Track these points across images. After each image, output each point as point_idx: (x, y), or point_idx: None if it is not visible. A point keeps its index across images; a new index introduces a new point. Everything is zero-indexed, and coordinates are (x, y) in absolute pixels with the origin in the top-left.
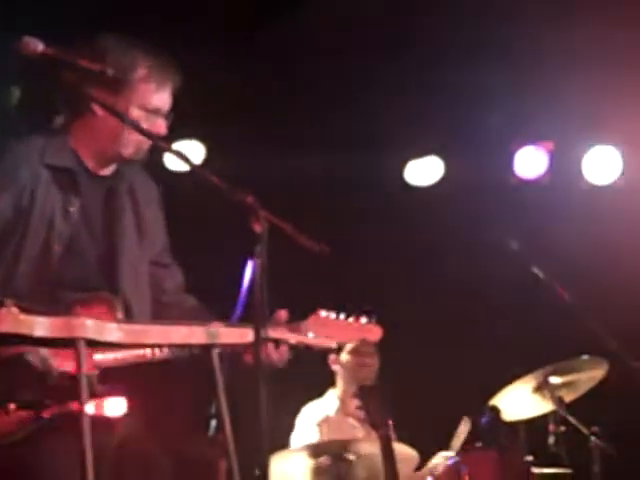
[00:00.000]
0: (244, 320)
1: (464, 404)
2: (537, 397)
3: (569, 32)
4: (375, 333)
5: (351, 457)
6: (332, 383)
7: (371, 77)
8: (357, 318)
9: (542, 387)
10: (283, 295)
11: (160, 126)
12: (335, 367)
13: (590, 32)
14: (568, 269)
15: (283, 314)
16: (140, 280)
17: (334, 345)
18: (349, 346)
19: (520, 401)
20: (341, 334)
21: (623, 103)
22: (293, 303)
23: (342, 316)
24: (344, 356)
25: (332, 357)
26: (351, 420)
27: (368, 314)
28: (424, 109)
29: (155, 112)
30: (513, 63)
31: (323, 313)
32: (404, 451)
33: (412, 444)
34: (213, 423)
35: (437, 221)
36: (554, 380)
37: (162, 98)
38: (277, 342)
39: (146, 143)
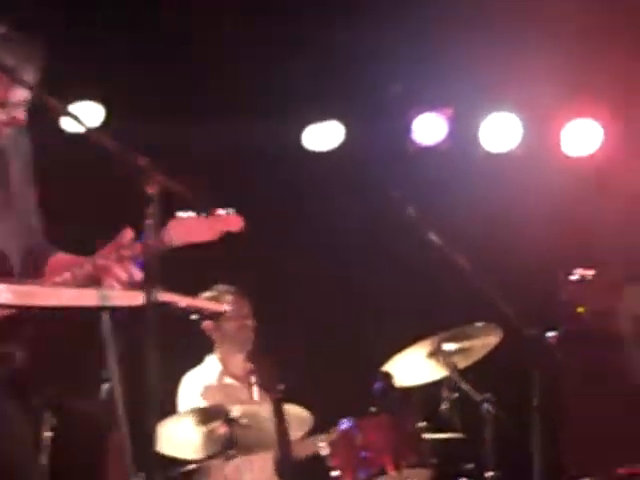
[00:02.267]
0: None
1: (359, 369)
2: (431, 363)
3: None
4: (236, 223)
5: (243, 421)
6: (209, 349)
7: (271, 42)
8: (214, 211)
9: (436, 353)
10: (176, 263)
11: (18, 119)
12: (211, 333)
13: None
14: (465, 236)
15: (128, 233)
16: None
17: (225, 308)
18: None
19: (414, 367)
20: (203, 232)
21: (524, 70)
22: (187, 271)
23: (201, 213)
24: (223, 321)
25: (207, 323)
26: (235, 382)
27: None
28: (325, 74)
29: (14, 105)
30: (414, 29)
31: (181, 214)
32: (297, 413)
33: (307, 408)
34: (105, 387)
35: (335, 186)
36: (448, 346)
37: (18, 94)
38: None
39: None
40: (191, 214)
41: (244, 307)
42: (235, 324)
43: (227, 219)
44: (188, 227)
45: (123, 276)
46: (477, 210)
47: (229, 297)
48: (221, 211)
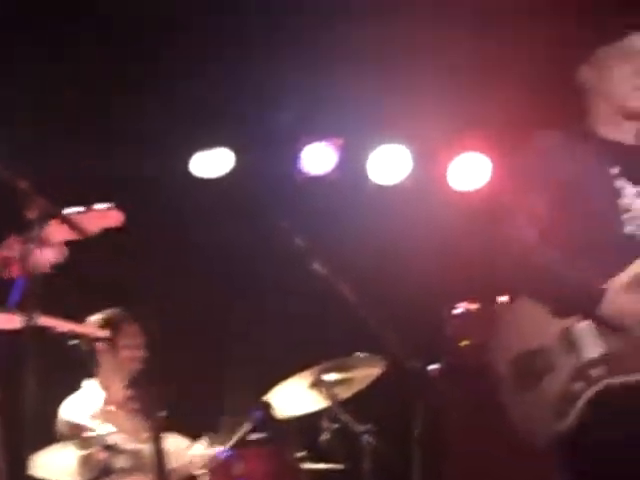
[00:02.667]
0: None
1: (240, 399)
2: (313, 393)
3: (360, 30)
4: (115, 218)
5: (121, 447)
6: (87, 374)
7: (160, 67)
8: (92, 206)
9: (318, 383)
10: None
11: None
12: (95, 358)
13: (382, 30)
14: (353, 267)
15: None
16: None
17: (107, 334)
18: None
19: (295, 397)
20: (83, 227)
21: (414, 102)
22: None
23: (79, 209)
24: (112, 349)
25: (92, 349)
26: (115, 408)
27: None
28: (215, 100)
29: None
30: (306, 59)
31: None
32: (177, 441)
33: (187, 435)
34: None
35: (223, 214)
36: (330, 377)
37: None
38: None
39: None
40: (70, 210)
41: (136, 336)
42: (125, 354)
43: (106, 214)
44: (69, 224)
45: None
46: (365, 241)
47: (121, 323)
48: (100, 206)
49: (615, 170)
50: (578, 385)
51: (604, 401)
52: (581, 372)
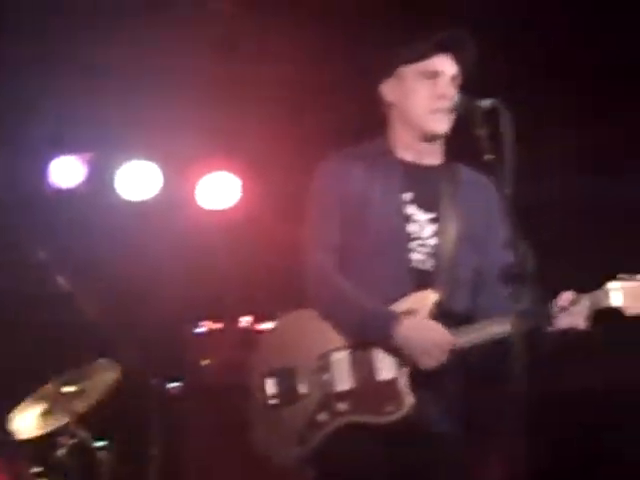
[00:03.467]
0: None
1: None
2: (51, 408)
3: (112, 47)
4: None
5: None
6: None
7: None
8: None
9: (55, 398)
10: None
11: None
12: None
13: (133, 47)
14: (99, 282)
15: None
16: None
17: None
18: None
19: (34, 412)
20: None
21: (166, 119)
22: None
23: None
24: None
25: None
26: None
27: None
28: None
29: None
30: (58, 72)
31: None
32: None
33: None
34: None
35: None
36: (66, 390)
37: None
38: None
39: None
40: None
41: None
42: None
43: None
44: None
45: None
46: (113, 257)
47: None
48: None
49: (408, 196)
50: (322, 415)
51: (342, 437)
52: (328, 402)
